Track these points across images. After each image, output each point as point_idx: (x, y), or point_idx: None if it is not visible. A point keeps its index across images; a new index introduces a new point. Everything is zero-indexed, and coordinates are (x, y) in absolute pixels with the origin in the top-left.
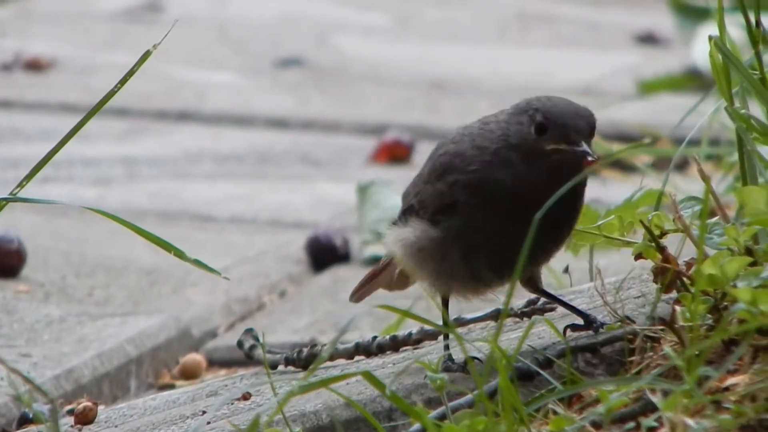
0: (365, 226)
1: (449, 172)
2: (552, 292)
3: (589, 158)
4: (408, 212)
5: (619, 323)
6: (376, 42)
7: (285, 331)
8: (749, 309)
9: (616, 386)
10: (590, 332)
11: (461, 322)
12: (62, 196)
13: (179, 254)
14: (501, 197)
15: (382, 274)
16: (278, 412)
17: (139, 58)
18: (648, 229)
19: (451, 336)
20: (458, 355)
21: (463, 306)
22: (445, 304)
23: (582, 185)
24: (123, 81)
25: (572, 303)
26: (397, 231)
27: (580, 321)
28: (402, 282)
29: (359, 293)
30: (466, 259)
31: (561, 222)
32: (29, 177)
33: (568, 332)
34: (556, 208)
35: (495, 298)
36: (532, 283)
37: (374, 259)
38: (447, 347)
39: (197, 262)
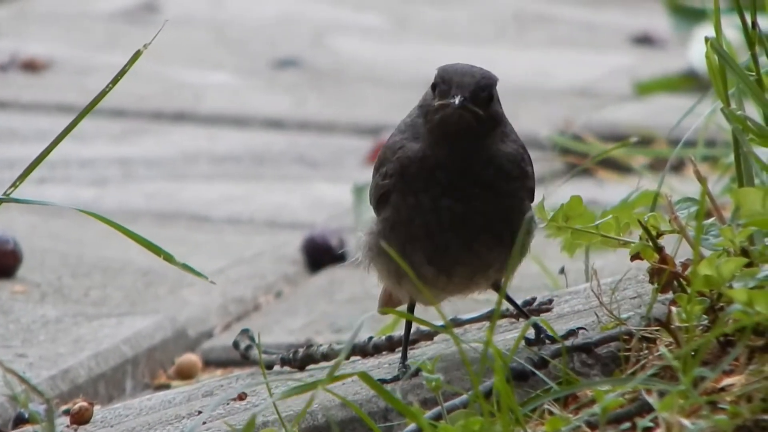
0: (361, 226)
1: (383, 164)
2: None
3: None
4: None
5: (614, 323)
6: (373, 43)
7: (281, 331)
8: (745, 310)
9: (612, 386)
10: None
11: (457, 322)
12: (59, 196)
13: (168, 258)
14: (417, 172)
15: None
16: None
17: (130, 58)
18: (646, 229)
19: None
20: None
21: (459, 307)
22: (411, 309)
23: (494, 155)
24: (114, 81)
25: (568, 304)
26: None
27: (576, 324)
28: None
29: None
30: (405, 254)
31: (482, 201)
32: (22, 178)
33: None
34: (469, 183)
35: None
36: (497, 288)
37: None
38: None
39: (185, 267)
